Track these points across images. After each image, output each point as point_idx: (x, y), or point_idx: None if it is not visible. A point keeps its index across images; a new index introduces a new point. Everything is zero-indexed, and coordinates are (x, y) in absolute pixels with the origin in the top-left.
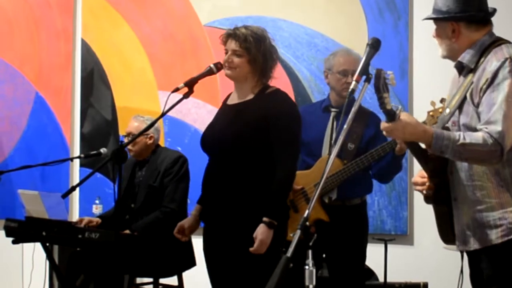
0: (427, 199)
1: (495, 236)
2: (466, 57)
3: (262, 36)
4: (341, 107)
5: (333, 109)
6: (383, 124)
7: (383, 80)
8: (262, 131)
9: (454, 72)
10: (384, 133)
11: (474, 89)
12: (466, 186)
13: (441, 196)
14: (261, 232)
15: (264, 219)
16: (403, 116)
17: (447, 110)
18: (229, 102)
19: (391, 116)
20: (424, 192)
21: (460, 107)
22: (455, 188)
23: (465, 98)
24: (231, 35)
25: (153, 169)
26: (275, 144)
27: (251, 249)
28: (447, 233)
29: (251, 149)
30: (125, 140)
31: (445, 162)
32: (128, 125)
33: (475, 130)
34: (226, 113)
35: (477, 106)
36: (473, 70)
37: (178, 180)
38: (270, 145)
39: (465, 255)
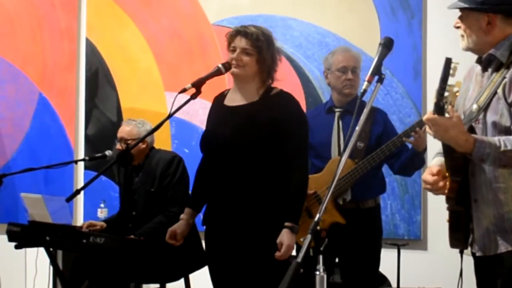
0: (448, 200)
1: None
2: (498, 50)
3: (271, 37)
4: (345, 106)
5: (337, 109)
6: (429, 114)
7: (450, 70)
8: (273, 134)
9: (468, 68)
10: (425, 124)
11: (507, 85)
12: (489, 188)
13: (461, 196)
14: (287, 238)
15: (287, 224)
16: (454, 117)
17: (474, 106)
18: (229, 103)
19: (441, 109)
20: (446, 191)
21: (488, 104)
22: (476, 190)
23: (495, 93)
24: (241, 32)
25: (149, 173)
26: (287, 147)
27: (277, 254)
28: (459, 236)
29: (264, 152)
30: (118, 145)
31: (467, 162)
32: (119, 129)
33: (506, 128)
34: (231, 115)
35: (510, 104)
36: (503, 65)
37: (177, 182)
38: (280, 148)
39: (466, 256)
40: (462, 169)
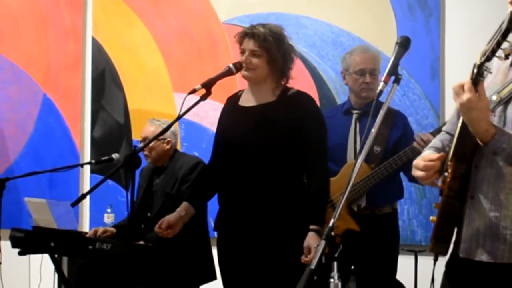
0: (449, 191)
1: (508, 254)
2: None
3: (281, 35)
4: (363, 108)
5: (354, 111)
6: (459, 83)
7: None
8: (292, 135)
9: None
10: (447, 123)
11: None
12: (491, 185)
13: (461, 190)
14: (314, 242)
15: (312, 227)
16: (485, 96)
17: (494, 97)
18: (244, 103)
19: (479, 77)
20: (448, 180)
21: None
22: (476, 185)
23: None
24: (249, 34)
25: (171, 176)
26: (308, 148)
27: (304, 259)
28: (445, 235)
29: (282, 153)
30: (141, 146)
31: (474, 150)
32: (143, 129)
33: None
34: (246, 116)
35: None
36: None
37: None
38: (299, 148)
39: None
40: (468, 158)
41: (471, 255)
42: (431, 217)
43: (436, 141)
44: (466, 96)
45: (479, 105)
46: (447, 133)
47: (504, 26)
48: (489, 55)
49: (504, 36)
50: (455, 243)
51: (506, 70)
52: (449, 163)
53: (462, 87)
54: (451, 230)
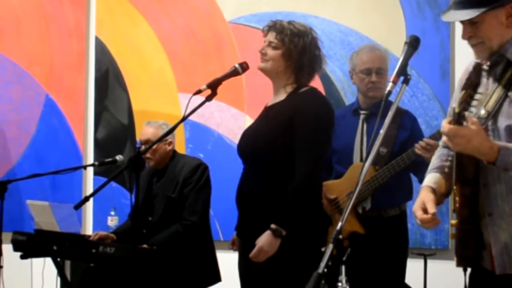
0: (463, 218)
1: None
2: (509, 49)
3: (303, 32)
4: (371, 108)
5: (362, 112)
6: (447, 126)
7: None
8: (288, 133)
9: (463, 72)
10: (443, 136)
11: None
12: (505, 200)
13: (472, 213)
14: (263, 240)
15: (271, 225)
16: (474, 124)
17: (482, 112)
18: (268, 104)
19: (460, 118)
20: (458, 205)
21: (499, 108)
22: (490, 202)
23: (505, 96)
24: (271, 27)
25: (172, 178)
26: (296, 144)
27: (250, 255)
28: (468, 253)
29: (278, 153)
30: (143, 148)
31: (478, 172)
32: (142, 132)
33: None
34: (260, 116)
35: None
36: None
37: (199, 190)
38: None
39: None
40: (472, 180)
41: (508, 269)
42: (451, 234)
43: (434, 161)
44: (459, 133)
45: (474, 131)
46: (445, 146)
47: (473, 80)
48: (466, 106)
49: (474, 89)
50: (478, 255)
51: (484, 81)
52: (454, 187)
53: (449, 132)
54: (473, 247)
